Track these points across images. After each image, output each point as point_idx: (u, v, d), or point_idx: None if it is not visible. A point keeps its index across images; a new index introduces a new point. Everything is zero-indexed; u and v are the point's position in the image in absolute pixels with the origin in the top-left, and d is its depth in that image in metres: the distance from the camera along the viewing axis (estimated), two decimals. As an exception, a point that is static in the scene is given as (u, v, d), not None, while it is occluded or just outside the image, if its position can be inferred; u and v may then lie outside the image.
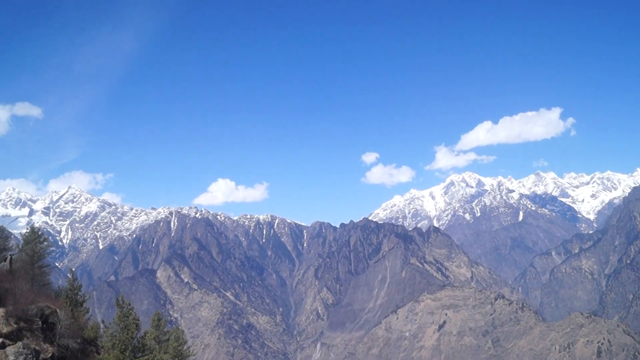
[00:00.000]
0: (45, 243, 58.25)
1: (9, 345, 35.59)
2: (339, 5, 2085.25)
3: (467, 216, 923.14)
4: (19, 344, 35.87)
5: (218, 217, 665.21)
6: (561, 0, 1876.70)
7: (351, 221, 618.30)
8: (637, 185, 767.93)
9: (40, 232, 57.84)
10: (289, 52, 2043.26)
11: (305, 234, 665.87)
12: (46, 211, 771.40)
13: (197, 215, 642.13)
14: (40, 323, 40.40)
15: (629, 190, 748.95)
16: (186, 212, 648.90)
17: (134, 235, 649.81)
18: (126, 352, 43.98)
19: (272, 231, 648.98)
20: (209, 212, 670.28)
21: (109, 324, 47.11)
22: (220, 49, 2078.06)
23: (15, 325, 37.69)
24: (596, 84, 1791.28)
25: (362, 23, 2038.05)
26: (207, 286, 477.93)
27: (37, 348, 37.15)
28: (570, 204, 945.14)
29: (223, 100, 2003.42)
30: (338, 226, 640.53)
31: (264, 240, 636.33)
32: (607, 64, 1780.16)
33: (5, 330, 36.76)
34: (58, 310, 41.98)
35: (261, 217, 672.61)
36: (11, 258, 49.89)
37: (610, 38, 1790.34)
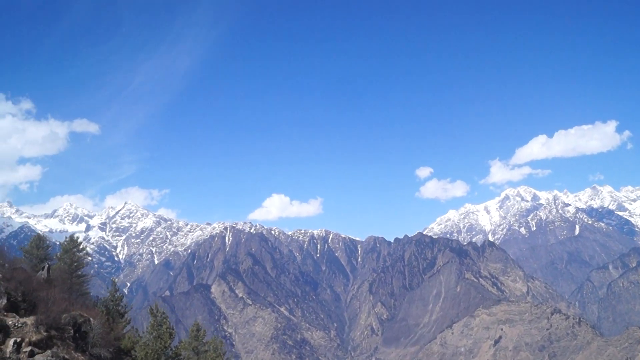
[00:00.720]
0: (84, 252, 61.68)
1: (38, 353, 35.65)
2: (391, 20, 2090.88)
3: (522, 230, 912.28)
4: (48, 352, 35.94)
5: (272, 232, 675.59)
6: (617, 15, 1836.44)
7: (405, 236, 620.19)
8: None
9: (79, 241, 61.04)
10: (344, 67, 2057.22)
11: (359, 249, 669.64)
12: (102, 227, 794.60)
13: (251, 231, 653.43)
14: (72, 332, 40.88)
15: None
16: (240, 227, 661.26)
17: (189, 251, 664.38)
18: None
19: (326, 246, 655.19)
20: (263, 227, 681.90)
21: (142, 333, 47.91)
22: (274, 64, 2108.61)
23: (45, 334, 37.83)
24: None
25: (415, 38, 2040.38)
26: (261, 301, 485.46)
27: (66, 357, 37.31)
28: (627, 217, 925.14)
29: (278, 116, 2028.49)
30: (392, 241, 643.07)
31: (318, 255, 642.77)
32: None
33: (35, 338, 36.87)
34: (92, 319, 42.67)
35: (315, 232, 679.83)
36: (49, 267, 52.07)
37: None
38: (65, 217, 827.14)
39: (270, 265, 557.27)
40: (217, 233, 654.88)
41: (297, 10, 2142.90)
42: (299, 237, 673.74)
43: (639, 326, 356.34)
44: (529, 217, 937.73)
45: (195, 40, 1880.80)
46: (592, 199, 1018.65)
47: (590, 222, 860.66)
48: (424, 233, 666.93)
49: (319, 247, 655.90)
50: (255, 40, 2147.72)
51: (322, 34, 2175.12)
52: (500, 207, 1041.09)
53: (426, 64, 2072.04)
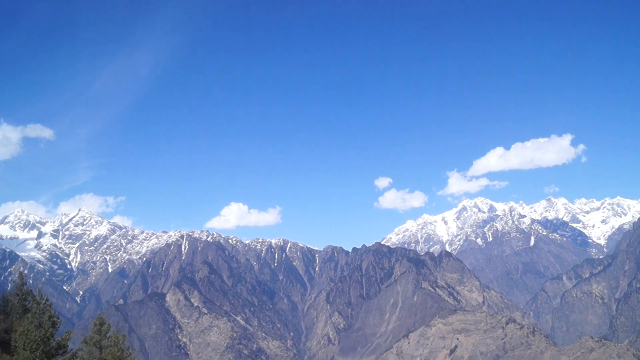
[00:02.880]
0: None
1: None
2: (354, 28, 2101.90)
3: (479, 241, 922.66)
4: None
5: (230, 240, 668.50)
6: (573, 30, 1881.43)
7: (363, 245, 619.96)
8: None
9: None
10: (303, 76, 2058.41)
11: (317, 258, 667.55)
12: (55, 234, 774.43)
13: (208, 239, 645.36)
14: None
15: (639, 215, 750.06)
16: (197, 235, 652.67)
17: (144, 259, 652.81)
18: (37, 353, 40.70)
19: (284, 255, 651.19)
20: (220, 235, 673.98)
21: (24, 322, 43.11)
22: (234, 73, 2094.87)
23: None
24: (606, 111, 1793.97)
25: (373, 47, 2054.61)
26: (217, 310, 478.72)
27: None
28: (581, 229, 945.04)
29: (237, 125, 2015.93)
30: (350, 251, 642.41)
31: (275, 264, 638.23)
32: (617, 91, 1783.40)
33: None
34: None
35: (273, 241, 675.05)
36: None
37: (621, 67, 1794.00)
38: (16, 224, 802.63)
39: (227, 274, 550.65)
40: (173, 241, 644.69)
41: (255, 22, 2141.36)
42: (257, 246, 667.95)
43: (591, 336, 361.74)
44: (486, 228, 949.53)
45: (157, 47, 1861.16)
46: (547, 210, 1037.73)
47: (545, 233, 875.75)
48: (382, 243, 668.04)
49: (276, 256, 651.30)
50: (216, 49, 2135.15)
51: (281, 46, 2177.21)
52: (458, 218, 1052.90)
53: (385, 74, 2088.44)
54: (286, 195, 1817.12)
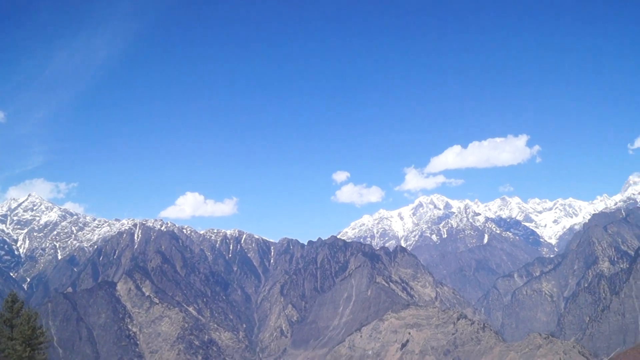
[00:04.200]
0: None
1: None
2: (311, 24, 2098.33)
3: (433, 237, 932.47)
4: None
5: (184, 230, 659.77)
6: (531, 35, 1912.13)
7: (319, 239, 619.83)
8: (597, 212, 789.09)
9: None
10: (262, 69, 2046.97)
11: (272, 251, 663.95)
12: (3, 219, 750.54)
13: (162, 228, 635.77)
14: None
15: (589, 217, 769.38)
16: (151, 224, 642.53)
17: (95, 247, 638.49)
18: None
19: (239, 246, 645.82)
20: (175, 225, 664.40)
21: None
22: (193, 61, 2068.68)
23: None
24: (561, 114, 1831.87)
25: (332, 41, 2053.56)
26: (169, 300, 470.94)
27: None
28: (533, 228, 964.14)
29: (194, 114, 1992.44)
30: (306, 243, 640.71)
31: (230, 256, 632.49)
32: (573, 95, 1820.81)
33: None
34: None
35: (228, 232, 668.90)
36: None
37: (577, 72, 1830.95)
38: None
39: (180, 264, 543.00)
40: (125, 229, 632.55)
41: (216, 9, 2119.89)
42: (212, 236, 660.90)
43: (539, 333, 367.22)
44: (441, 225, 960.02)
45: (116, 32, 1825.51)
46: (501, 209, 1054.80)
47: (498, 231, 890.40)
48: (338, 237, 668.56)
49: (231, 247, 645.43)
50: (175, 35, 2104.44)
51: (242, 38, 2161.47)
52: (414, 214, 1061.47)
53: (344, 67, 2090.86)
54: (243, 186, 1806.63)
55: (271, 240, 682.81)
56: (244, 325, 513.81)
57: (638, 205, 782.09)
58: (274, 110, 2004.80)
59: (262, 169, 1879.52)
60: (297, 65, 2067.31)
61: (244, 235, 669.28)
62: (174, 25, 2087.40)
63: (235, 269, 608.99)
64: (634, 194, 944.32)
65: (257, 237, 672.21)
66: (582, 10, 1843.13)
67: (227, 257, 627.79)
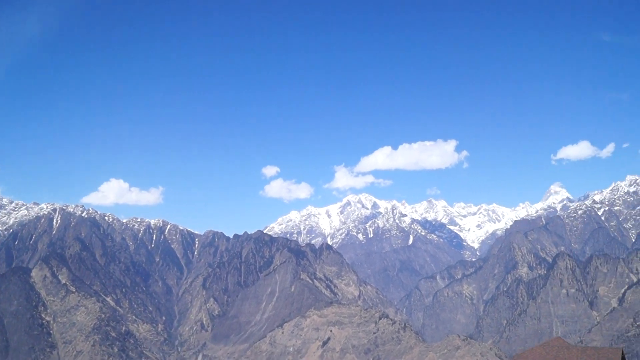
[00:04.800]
0: None
1: None
2: (244, 19, 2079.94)
3: (360, 236, 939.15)
4: None
5: (106, 218, 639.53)
6: (461, 39, 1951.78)
7: (245, 233, 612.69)
8: (519, 219, 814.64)
9: None
10: (193, 58, 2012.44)
11: (197, 243, 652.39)
12: None
13: (83, 215, 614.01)
14: None
15: (511, 223, 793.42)
16: (72, 210, 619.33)
17: (11, 230, 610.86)
18: None
19: (162, 237, 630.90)
20: (96, 212, 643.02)
21: None
22: (121, 45, 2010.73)
23: None
24: (490, 122, 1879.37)
25: (264, 37, 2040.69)
26: (86, 289, 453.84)
27: None
28: (457, 231, 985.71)
29: (122, 98, 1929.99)
30: (232, 237, 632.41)
31: (152, 246, 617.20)
32: (501, 104, 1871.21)
33: None
34: None
35: (152, 222, 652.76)
36: None
37: (505, 83, 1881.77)
38: None
39: (100, 253, 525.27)
40: (44, 214, 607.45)
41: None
42: (135, 225, 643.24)
43: (458, 334, 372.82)
44: (368, 224, 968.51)
45: (44, 8, 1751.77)
46: (427, 211, 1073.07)
47: (423, 233, 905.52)
48: (265, 232, 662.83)
49: (154, 238, 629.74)
50: (103, 18, 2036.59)
51: (179, 25, 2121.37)
52: (341, 212, 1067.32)
53: (277, 62, 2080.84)
54: (170, 176, 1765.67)
55: (196, 232, 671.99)
56: (164, 318, 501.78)
57: (558, 214, 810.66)
58: (205, 100, 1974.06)
59: (191, 159, 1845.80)
60: (228, 56, 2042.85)
61: (168, 226, 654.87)
62: (96, 8, 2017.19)
63: (157, 259, 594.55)
64: (554, 203, 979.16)
65: (181, 228, 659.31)
66: (510, 18, 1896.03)
67: (149, 248, 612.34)
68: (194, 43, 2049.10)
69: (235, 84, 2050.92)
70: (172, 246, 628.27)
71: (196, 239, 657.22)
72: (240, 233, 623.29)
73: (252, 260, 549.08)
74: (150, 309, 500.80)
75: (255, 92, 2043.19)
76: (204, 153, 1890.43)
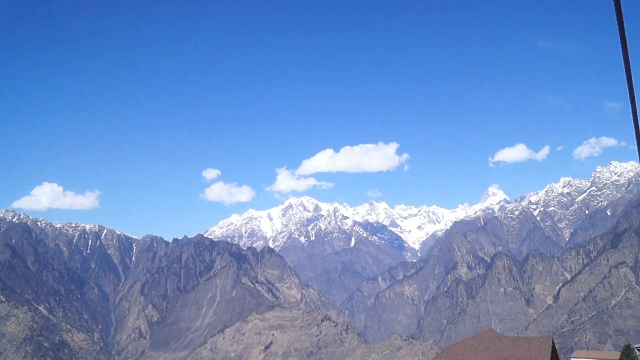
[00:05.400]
0: None
1: None
2: (180, 21, 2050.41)
3: (302, 239, 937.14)
4: None
5: (39, 223, 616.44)
6: (402, 44, 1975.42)
7: (185, 237, 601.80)
8: (458, 220, 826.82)
9: None
10: (131, 57, 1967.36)
11: (135, 248, 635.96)
12: None
13: (13, 220, 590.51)
14: None
15: (451, 224, 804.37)
16: (1, 215, 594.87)
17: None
18: None
19: (98, 242, 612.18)
20: (28, 217, 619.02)
21: None
22: (51, 46, 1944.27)
23: None
24: (430, 125, 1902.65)
25: (200, 37, 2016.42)
26: (17, 298, 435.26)
27: None
28: (398, 233, 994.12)
29: (54, 98, 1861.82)
30: (171, 241, 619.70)
31: (88, 252, 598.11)
32: (441, 107, 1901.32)
33: None
34: None
35: (88, 227, 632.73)
36: None
37: (444, 87, 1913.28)
38: None
39: (31, 260, 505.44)
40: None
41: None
42: (69, 230, 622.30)
43: (400, 335, 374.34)
44: (310, 227, 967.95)
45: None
46: (369, 213, 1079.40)
47: (365, 235, 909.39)
48: (205, 235, 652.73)
49: (90, 243, 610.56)
50: (29, 21, 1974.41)
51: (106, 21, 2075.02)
52: (283, 215, 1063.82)
53: (219, 64, 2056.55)
54: (106, 179, 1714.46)
55: (134, 236, 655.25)
56: (100, 326, 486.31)
57: (495, 215, 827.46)
58: (142, 101, 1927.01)
59: (128, 161, 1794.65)
60: (165, 57, 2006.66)
61: (105, 231, 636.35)
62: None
63: (93, 266, 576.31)
64: (492, 204, 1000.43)
65: (118, 233, 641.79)
66: (448, 23, 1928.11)
67: (84, 253, 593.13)
68: (124, 41, 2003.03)
69: (173, 84, 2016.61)
70: (108, 252, 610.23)
71: (134, 244, 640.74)
72: (180, 237, 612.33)
73: (192, 265, 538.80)
74: (86, 317, 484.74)
75: (195, 94, 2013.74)
76: (142, 155, 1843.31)
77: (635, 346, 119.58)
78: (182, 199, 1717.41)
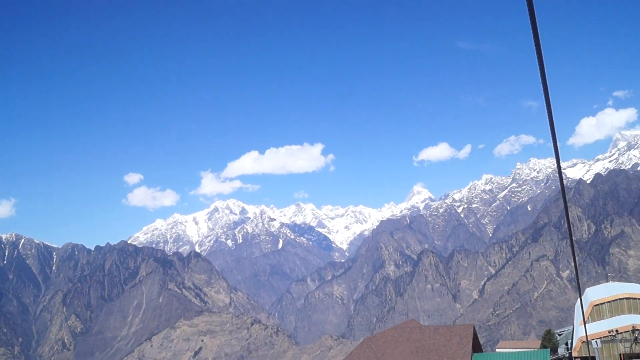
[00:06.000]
0: None
1: None
2: (98, 22, 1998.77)
3: (229, 242, 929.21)
4: None
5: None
6: (324, 47, 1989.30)
7: (108, 244, 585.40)
8: (384, 219, 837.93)
9: None
10: (43, 58, 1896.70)
11: (55, 256, 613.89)
12: None
13: None
14: None
15: (377, 223, 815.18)
16: None
17: None
18: None
19: (16, 252, 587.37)
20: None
21: None
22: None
23: None
24: (354, 125, 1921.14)
25: (119, 39, 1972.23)
26: None
27: None
28: (326, 234, 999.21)
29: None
30: (93, 249, 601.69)
31: (5, 262, 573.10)
32: (364, 107, 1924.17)
33: None
34: None
35: (4, 236, 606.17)
36: None
37: (366, 87, 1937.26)
38: None
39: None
40: None
41: None
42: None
43: (330, 335, 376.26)
44: (236, 230, 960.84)
45: None
46: (296, 215, 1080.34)
47: (293, 237, 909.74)
48: (129, 242, 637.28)
49: (7, 253, 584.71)
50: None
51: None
52: (209, 219, 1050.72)
53: (138, 65, 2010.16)
54: (23, 186, 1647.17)
55: (54, 245, 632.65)
56: (20, 339, 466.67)
57: (421, 213, 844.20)
58: (60, 103, 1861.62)
59: (46, 167, 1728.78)
60: (86, 59, 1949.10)
61: (22, 240, 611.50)
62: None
63: (10, 277, 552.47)
64: (417, 203, 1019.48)
65: (37, 241, 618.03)
66: (370, 23, 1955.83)
67: (1, 264, 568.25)
68: (30, 42, 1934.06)
69: (93, 86, 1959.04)
70: (27, 261, 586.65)
71: (54, 253, 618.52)
72: (103, 244, 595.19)
73: (116, 272, 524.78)
74: (5, 330, 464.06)
75: (115, 95, 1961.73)
76: (60, 160, 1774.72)
77: (555, 331, 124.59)
78: (103, 204, 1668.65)
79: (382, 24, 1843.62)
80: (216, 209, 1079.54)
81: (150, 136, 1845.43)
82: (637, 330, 39.60)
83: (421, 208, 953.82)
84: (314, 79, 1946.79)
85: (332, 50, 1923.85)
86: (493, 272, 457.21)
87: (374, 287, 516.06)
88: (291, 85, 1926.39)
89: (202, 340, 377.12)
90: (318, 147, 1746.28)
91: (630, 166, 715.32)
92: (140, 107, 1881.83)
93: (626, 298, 51.51)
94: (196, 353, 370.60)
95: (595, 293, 57.87)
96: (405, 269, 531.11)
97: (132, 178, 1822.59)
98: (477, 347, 61.78)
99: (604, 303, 51.36)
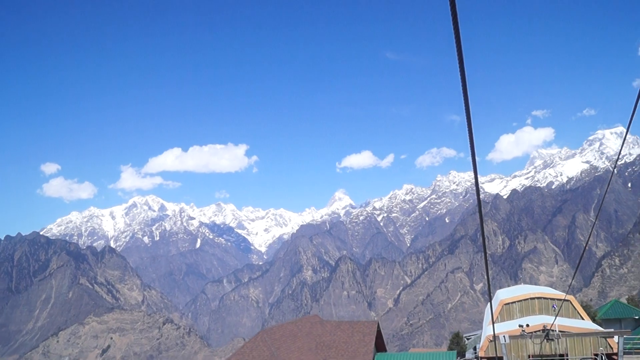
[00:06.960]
0: None
1: None
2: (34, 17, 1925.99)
3: (145, 239, 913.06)
4: None
5: None
6: (257, 48, 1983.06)
7: (19, 234, 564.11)
8: (304, 223, 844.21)
9: None
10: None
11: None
12: None
13: None
14: None
15: (297, 227, 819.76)
16: None
17: None
18: None
19: None
20: None
21: None
22: None
23: None
24: (279, 128, 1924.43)
25: (52, 31, 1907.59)
26: None
27: None
28: (245, 235, 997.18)
29: None
30: (3, 238, 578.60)
31: None
32: (289, 110, 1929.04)
33: None
34: None
35: None
36: None
37: (292, 92, 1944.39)
38: None
39: None
40: None
41: None
42: None
43: (244, 337, 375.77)
44: (154, 227, 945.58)
45: None
46: (216, 215, 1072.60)
47: (211, 236, 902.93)
48: (41, 233, 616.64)
49: None
50: None
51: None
52: (127, 214, 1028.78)
53: (64, 57, 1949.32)
54: None
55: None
56: None
57: (341, 219, 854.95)
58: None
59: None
60: (7, 48, 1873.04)
61: None
62: None
63: None
64: (338, 209, 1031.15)
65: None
66: (304, 30, 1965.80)
67: None
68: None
69: (12, 74, 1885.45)
70: None
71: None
72: (14, 234, 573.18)
73: (25, 263, 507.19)
74: None
75: (35, 83, 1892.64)
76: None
77: (464, 335, 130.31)
78: (17, 193, 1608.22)
79: (314, 25, 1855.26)
80: (134, 205, 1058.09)
81: (70, 126, 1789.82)
82: (549, 329, 40.97)
83: (342, 214, 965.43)
84: (240, 79, 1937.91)
85: (262, 52, 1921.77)
86: (409, 281, 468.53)
87: (290, 292, 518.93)
88: (216, 84, 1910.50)
89: (111, 338, 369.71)
90: (242, 148, 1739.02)
91: (545, 184, 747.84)
92: (60, 96, 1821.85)
93: (537, 298, 50.74)
94: (104, 351, 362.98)
95: (506, 293, 58.57)
96: (323, 275, 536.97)
97: (49, 168, 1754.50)
98: (381, 346, 60.42)
99: (514, 302, 50.57)
